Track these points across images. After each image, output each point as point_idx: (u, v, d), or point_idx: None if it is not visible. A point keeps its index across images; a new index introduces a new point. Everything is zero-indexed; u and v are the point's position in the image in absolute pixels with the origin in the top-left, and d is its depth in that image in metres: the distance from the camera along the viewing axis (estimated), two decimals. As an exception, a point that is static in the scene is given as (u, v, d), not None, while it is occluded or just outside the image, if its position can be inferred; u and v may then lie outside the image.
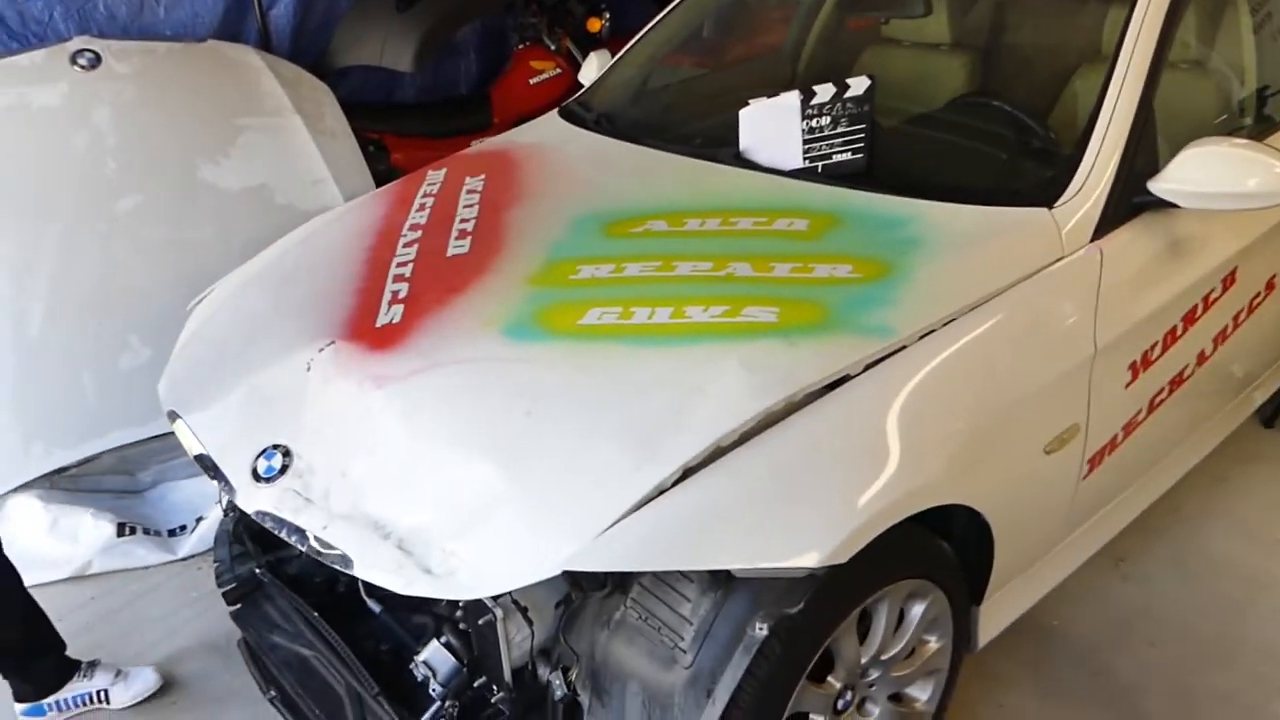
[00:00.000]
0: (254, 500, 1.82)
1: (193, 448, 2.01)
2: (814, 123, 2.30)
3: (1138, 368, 2.10)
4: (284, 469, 1.83)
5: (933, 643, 1.93)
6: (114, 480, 3.04)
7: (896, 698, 1.97)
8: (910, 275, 1.85)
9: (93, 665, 2.40)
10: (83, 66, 3.04)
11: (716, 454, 1.57)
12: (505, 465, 1.61)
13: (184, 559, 2.79)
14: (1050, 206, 1.98)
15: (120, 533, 2.81)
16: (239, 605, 2.22)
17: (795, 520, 1.53)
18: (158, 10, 3.30)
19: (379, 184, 3.26)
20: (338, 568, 1.67)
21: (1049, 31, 2.71)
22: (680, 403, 1.62)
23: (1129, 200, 2.05)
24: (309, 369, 1.92)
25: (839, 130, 2.28)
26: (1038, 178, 2.16)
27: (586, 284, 1.93)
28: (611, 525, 1.49)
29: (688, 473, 1.54)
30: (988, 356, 1.82)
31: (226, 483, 1.89)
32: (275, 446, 1.86)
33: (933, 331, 1.77)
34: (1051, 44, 2.66)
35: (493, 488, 1.60)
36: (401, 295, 2.02)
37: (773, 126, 2.34)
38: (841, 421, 1.64)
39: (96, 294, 2.93)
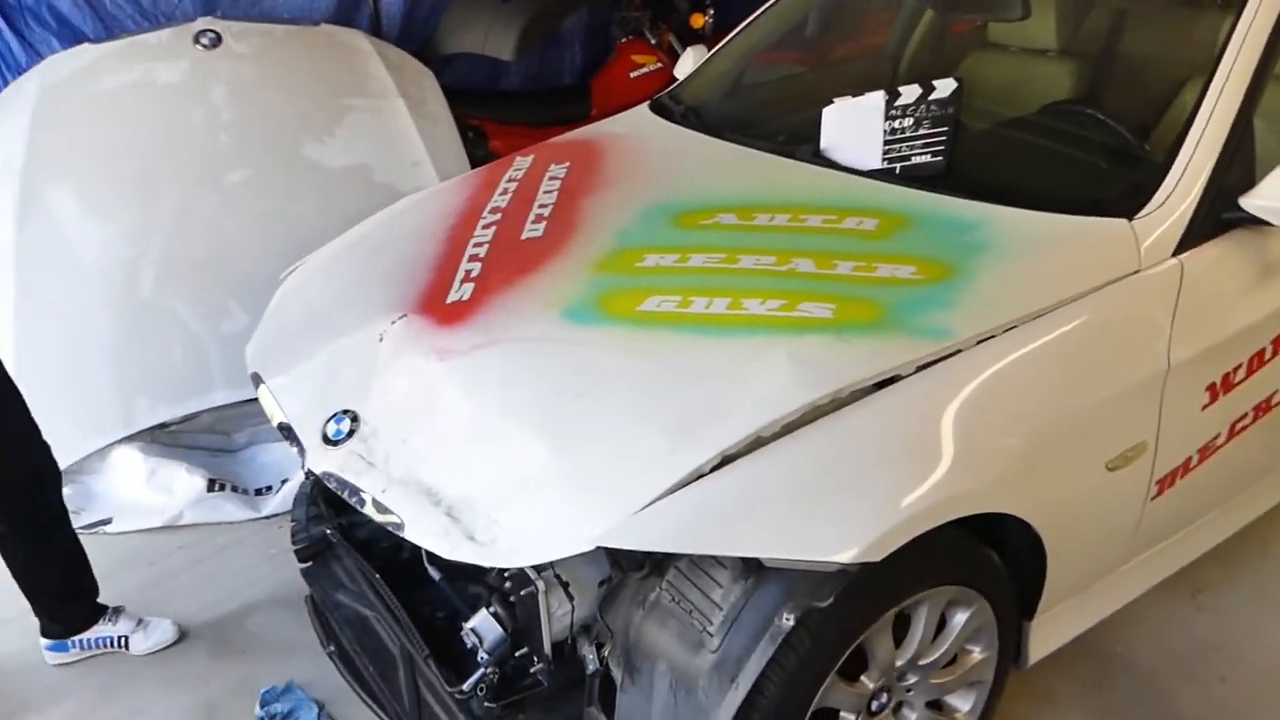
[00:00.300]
0: (322, 461, 1.91)
1: (271, 410, 2.11)
2: (897, 123, 2.29)
3: (1217, 389, 2.03)
4: (351, 433, 1.91)
5: (976, 653, 1.91)
6: (210, 439, 3.21)
7: (936, 705, 1.95)
8: (973, 279, 1.82)
9: (117, 611, 2.54)
10: (204, 46, 3.20)
11: (757, 444, 1.58)
12: (551, 442, 1.66)
13: (267, 517, 2.93)
14: (1130, 218, 1.93)
15: (211, 488, 2.97)
16: (309, 563, 2.32)
17: (830, 514, 1.54)
18: (278, -6, 3.46)
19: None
20: (391, 530, 1.75)
21: (1157, 40, 2.63)
22: (725, 392, 1.64)
23: (1218, 216, 1.98)
24: (381, 340, 2.00)
25: (921, 132, 2.26)
26: (1120, 188, 2.11)
27: (650, 272, 1.96)
28: (646, 506, 1.52)
29: (727, 460, 1.56)
30: (1050, 365, 1.78)
31: (299, 444, 1.99)
32: (345, 412, 1.95)
33: (992, 337, 1.75)
34: (1158, 53, 2.58)
35: (538, 463, 1.65)
36: (474, 274, 2.09)
37: (855, 126, 2.34)
38: (888, 420, 1.64)
39: (204, 261, 3.08)
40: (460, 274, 2.10)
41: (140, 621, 2.54)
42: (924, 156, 2.24)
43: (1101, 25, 2.77)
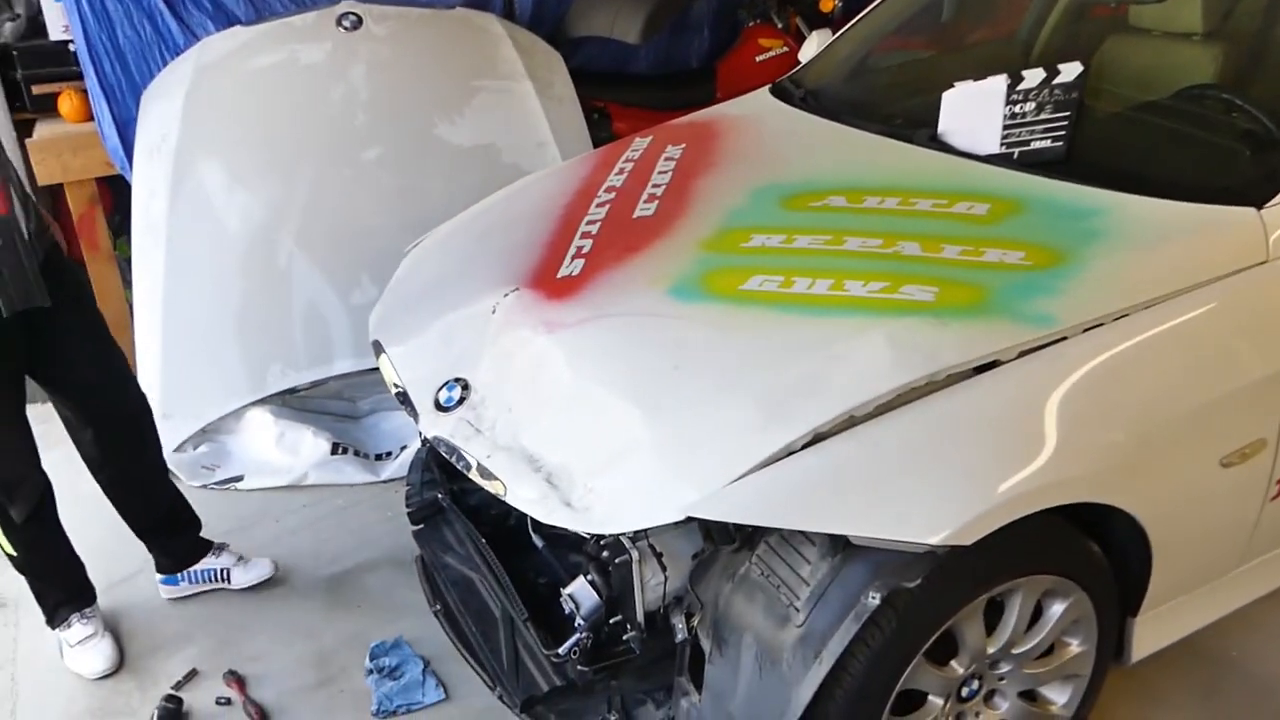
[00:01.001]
0: (433, 426, 1.99)
1: (390, 376, 2.22)
2: (1018, 108, 2.24)
3: (1346, 388, 1.93)
4: (461, 400, 1.99)
5: (1074, 646, 1.87)
6: (336, 404, 3.37)
7: (1030, 696, 1.92)
8: (1084, 265, 1.78)
9: (222, 547, 2.72)
10: (346, 28, 3.34)
11: (850, 423, 1.59)
12: (648, 413, 1.70)
13: (385, 481, 3.06)
14: (1260, 206, 1.86)
15: (334, 451, 3.12)
16: (421, 526, 2.43)
17: (920, 496, 1.54)
18: (417, -22, 3.58)
19: (599, 151, 3.42)
20: (492, 492, 1.82)
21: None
22: (821, 369, 1.66)
23: (1352, 206, 1.88)
24: (494, 311, 2.07)
25: (1042, 117, 2.21)
26: (1250, 175, 2.02)
27: (755, 252, 1.98)
28: (737, 479, 1.55)
29: (819, 438, 1.58)
30: (1164, 357, 1.73)
31: (413, 409, 2.08)
32: (456, 380, 2.03)
33: (1100, 325, 1.71)
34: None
35: (634, 433, 1.69)
36: (585, 250, 2.14)
37: (975, 110, 2.30)
38: (984, 405, 1.62)
39: (337, 234, 3.22)
40: (572, 250, 2.16)
41: (240, 558, 2.71)
42: (1044, 141, 2.19)
43: (1248, 7, 2.65)
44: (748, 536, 1.71)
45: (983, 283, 1.77)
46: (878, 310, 1.74)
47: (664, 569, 1.80)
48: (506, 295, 2.08)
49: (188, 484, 3.06)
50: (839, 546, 1.59)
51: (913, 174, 2.19)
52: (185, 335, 3.15)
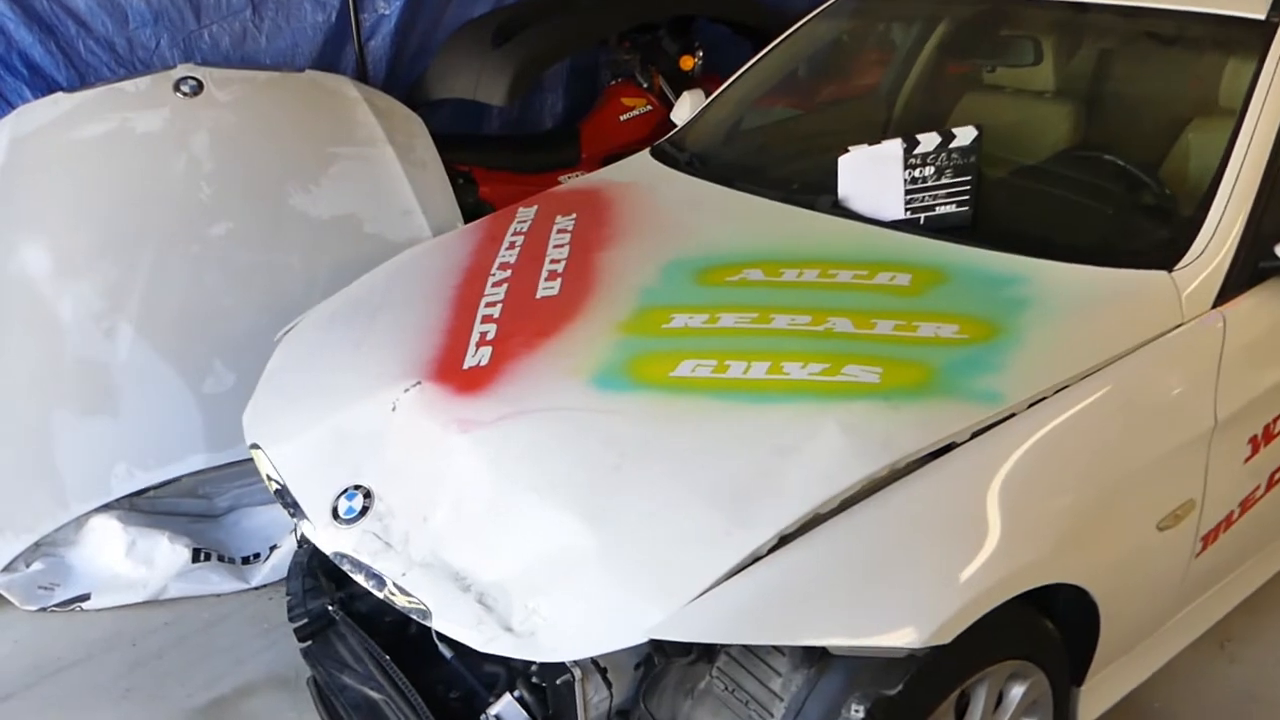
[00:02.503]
0: (333, 541, 1.80)
1: (274, 483, 1.99)
2: (917, 172, 2.23)
3: (1258, 441, 1.98)
4: (364, 510, 1.80)
5: (1031, 727, 1.83)
6: (191, 504, 3.06)
7: (989, 783, 1.86)
8: (1020, 338, 1.76)
9: None
10: (185, 93, 3.08)
11: (814, 521, 1.49)
12: (591, 521, 1.56)
13: (256, 588, 2.78)
14: (1170, 269, 1.88)
15: (195, 558, 2.81)
16: (310, 642, 2.19)
17: (897, 596, 1.45)
18: (259, 39, 3.35)
19: (467, 216, 3.27)
20: (416, 619, 1.64)
21: (1158, 82, 2.60)
22: (776, 465, 1.55)
23: (1255, 264, 1.94)
24: (394, 409, 1.89)
25: (943, 181, 2.21)
26: (1156, 238, 2.06)
27: (679, 334, 1.88)
28: (703, 593, 1.43)
29: (783, 540, 1.47)
30: (1101, 427, 1.72)
31: (306, 520, 1.87)
32: (357, 487, 1.84)
33: (1043, 399, 1.68)
34: (1162, 95, 2.54)
35: (578, 544, 1.55)
36: (490, 336, 1.99)
37: (873, 175, 2.28)
38: (946, 492, 1.56)
39: (184, 317, 2.95)
40: (475, 337, 2.00)
41: None
42: (948, 206, 2.18)
43: (1097, 67, 2.75)
44: (706, 648, 1.59)
45: (925, 360, 1.71)
46: (823, 394, 1.66)
47: (609, 685, 1.66)
48: (408, 390, 1.90)
49: (22, 609, 2.69)
50: (814, 656, 1.49)
51: (824, 243, 2.14)
52: (11, 439, 2.81)
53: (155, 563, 2.80)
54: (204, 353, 2.96)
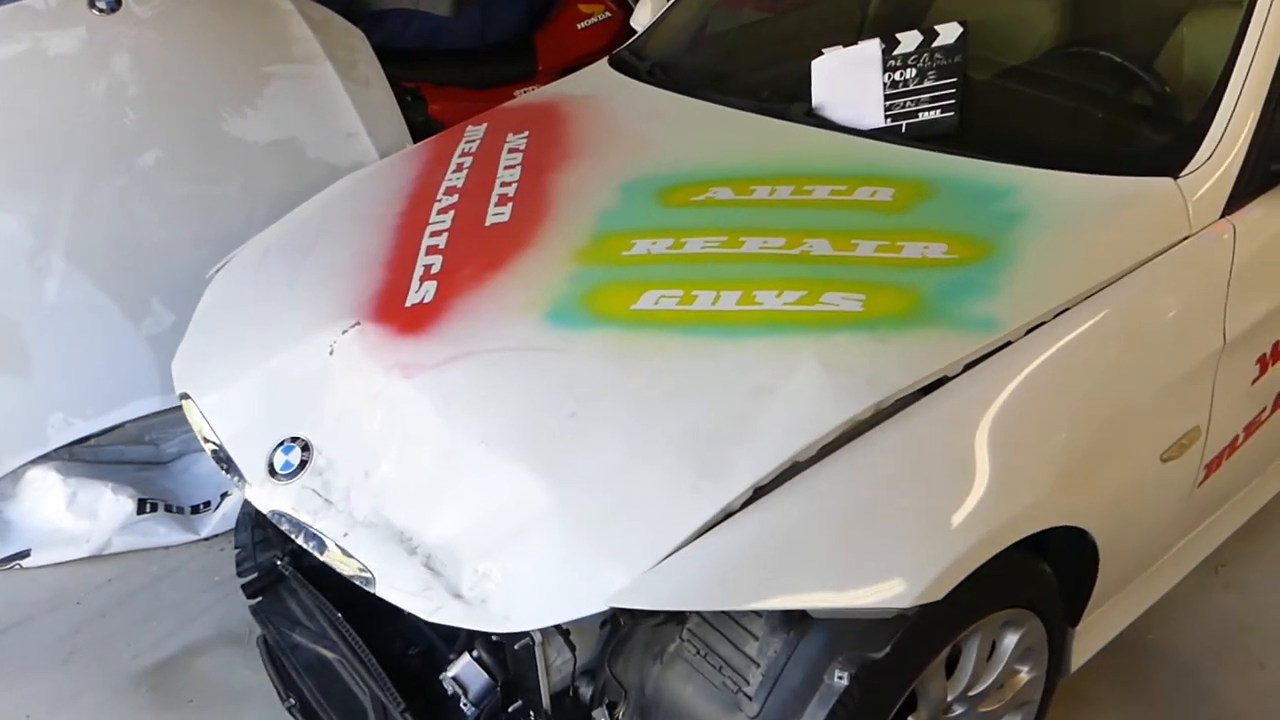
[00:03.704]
0: (269, 499, 1.65)
1: (205, 435, 1.83)
2: (897, 75, 2.04)
3: (1266, 361, 1.84)
4: (302, 465, 1.65)
5: (1024, 673, 1.71)
6: (137, 450, 2.89)
7: (983, 732, 1.75)
8: (1015, 257, 1.60)
9: None
10: (101, 10, 2.83)
11: (791, 470, 1.34)
12: (545, 475, 1.41)
13: (206, 539, 2.63)
14: (1175, 175, 1.72)
15: (141, 509, 2.65)
16: (259, 598, 2.06)
17: (883, 551, 1.31)
18: (181, -52, 3.08)
19: (416, 137, 3.06)
20: (358, 584, 1.49)
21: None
22: (749, 407, 1.40)
23: (1266, 168, 1.77)
24: (331, 353, 1.72)
25: (925, 84, 2.02)
26: (1160, 141, 1.90)
27: (641, 261, 1.71)
28: (669, 554, 1.28)
29: (758, 492, 1.33)
30: (1103, 354, 1.57)
31: (238, 473, 1.72)
32: (294, 439, 1.68)
33: (1041, 324, 1.53)
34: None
35: (531, 501, 1.40)
36: (435, 270, 1.81)
37: (850, 80, 2.09)
38: (937, 433, 1.41)
39: (116, 254, 2.74)
40: (419, 270, 1.82)
41: None
42: (932, 112, 2.00)
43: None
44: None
45: (911, 285, 1.55)
46: (800, 325, 1.50)
47: (572, 647, 1.53)
48: (346, 331, 1.73)
49: (-44, 568, 2.54)
50: (793, 618, 1.35)
51: (798, 156, 1.96)
52: (-64, 389, 2.62)
53: (98, 515, 2.64)
54: (140, 292, 2.76)
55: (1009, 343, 1.50)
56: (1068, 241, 1.63)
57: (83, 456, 2.79)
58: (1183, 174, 1.72)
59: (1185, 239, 1.68)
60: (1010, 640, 1.62)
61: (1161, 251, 1.66)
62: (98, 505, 2.65)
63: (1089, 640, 1.86)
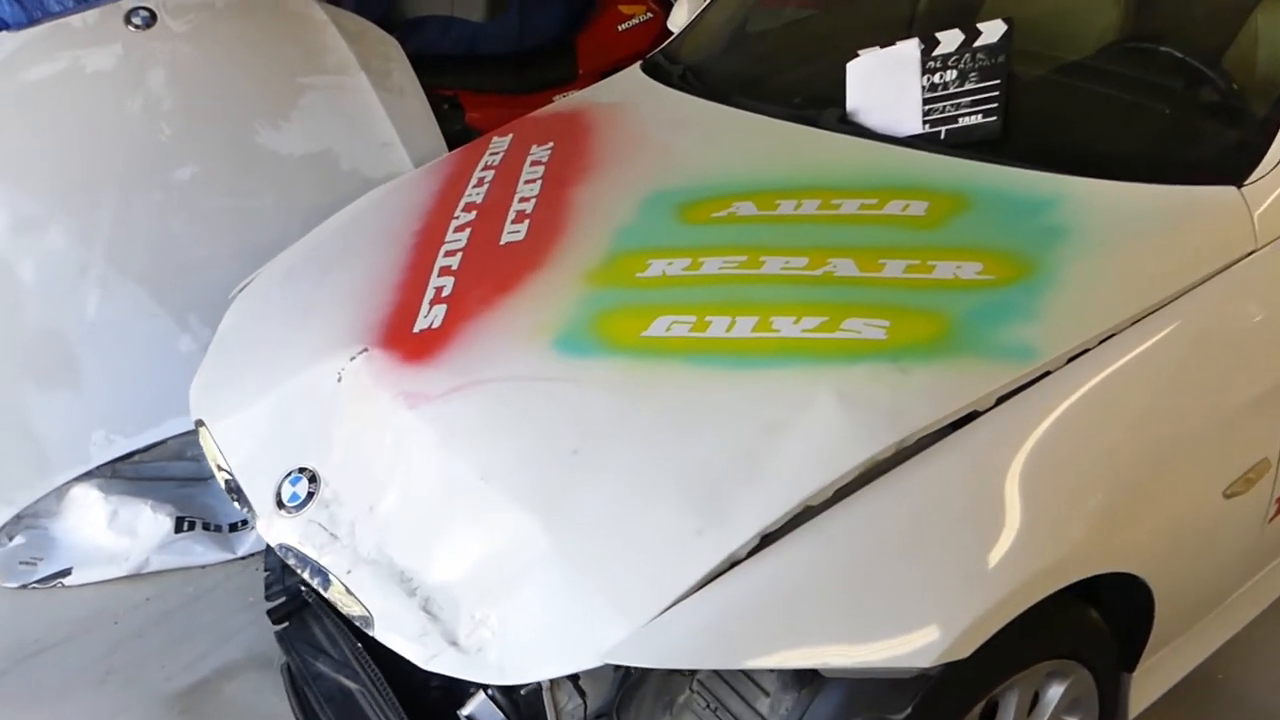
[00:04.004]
0: (277, 531, 1.61)
1: (217, 464, 1.79)
2: (937, 78, 1.92)
3: (1340, 383, 1.69)
4: (309, 497, 1.61)
5: (1073, 724, 1.59)
6: (178, 466, 2.89)
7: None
8: (1057, 276, 1.48)
9: None
10: (137, 25, 2.83)
11: (804, 515, 1.25)
12: (544, 516, 1.33)
13: (243, 558, 2.61)
14: (1239, 184, 1.58)
15: (179, 528, 2.65)
16: (285, 624, 2.02)
17: (902, 606, 1.21)
18: (217, -39, 3.07)
19: (453, 145, 3.01)
20: (358, 625, 1.44)
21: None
22: (759, 446, 1.31)
23: (1337, 174, 1.62)
24: (339, 380, 1.67)
25: (967, 87, 1.90)
26: (1222, 146, 1.75)
27: (655, 283, 1.62)
28: (669, 607, 1.20)
29: (766, 539, 1.23)
30: (1156, 383, 1.44)
31: (248, 505, 1.68)
32: (301, 470, 1.64)
33: (1085, 351, 1.40)
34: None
35: (529, 544, 1.32)
36: (445, 292, 1.75)
37: (887, 83, 1.97)
38: (965, 474, 1.30)
39: (154, 271, 2.74)
40: (429, 293, 1.76)
41: None
42: (974, 117, 1.87)
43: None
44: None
45: (940, 309, 1.44)
46: (819, 356, 1.40)
47: (582, 693, 1.45)
48: (354, 358, 1.68)
49: (2, 585, 2.56)
50: (806, 675, 1.26)
51: (828, 167, 1.85)
52: (-18, 407, 2.65)
53: (137, 533, 2.64)
54: (177, 309, 2.76)
55: (1048, 373, 1.38)
56: (1116, 259, 1.51)
57: (125, 474, 2.80)
58: (1247, 182, 1.58)
59: (1250, 254, 1.54)
60: (1055, 691, 1.50)
61: (1222, 269, 1.52)
62: (137, 523, 2.65)
63: (1148, 687, 1.72)
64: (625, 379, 1.46)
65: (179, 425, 2.74)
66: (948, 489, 1.29)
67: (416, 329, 1.68)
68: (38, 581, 2.60)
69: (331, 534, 1.55)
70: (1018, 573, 1.25)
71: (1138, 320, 1.44)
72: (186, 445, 2.89)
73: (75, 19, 2.80)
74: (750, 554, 1.22)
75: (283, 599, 2.03)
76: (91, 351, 2.70)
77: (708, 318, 1.50)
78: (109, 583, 2.58)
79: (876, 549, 1.24)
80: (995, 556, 1.25)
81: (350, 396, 1.65)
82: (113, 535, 2.65)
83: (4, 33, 2.79)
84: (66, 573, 2.62)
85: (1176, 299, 1.47)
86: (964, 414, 1.33)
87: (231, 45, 2.89)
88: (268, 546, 2.09)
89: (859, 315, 1.44)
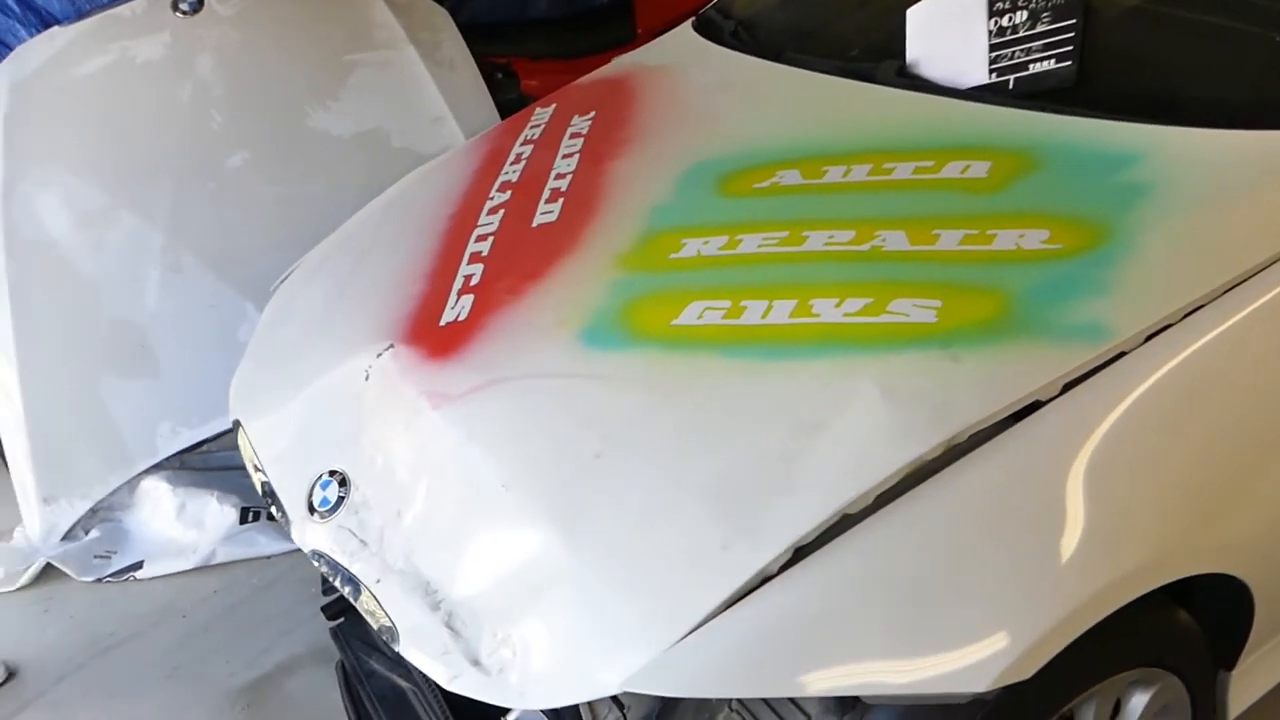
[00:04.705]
0: (309, 536, 1.56)
1: (255, 464, 1.75)
2: (1004, 20, 1.75)
3: None
4: (340, 502, 1.55)
5: (1163, 733, 1.44)
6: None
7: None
8: (1135, 242, 1.31)
9: None
10: (184, 12, 2.80)
11: (841, 525, 1.13)
12: (564, 529, 1.24)
13: (307, 548, 2.60)
14: (1352, 126, 1.38)
15: (244, 519, 2.65)
16: (340, 620, 1.99)
17: (953, 624, 1.08)
18: (259, -59, 3.01)
19: (507, 116, 2.92)
20: (384, 638, 1.38)
21: None
22: (793, 448, 1.19)
23: None
24: (367, 378, 1.60)
25: (1039, 29, 1.72)
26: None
27: (689, 265, 1.50)
28: (694, 629, 1.09)
29: (799, 552, 1.12)
30: (1250, 360, 1.27)
31: (282, 512, 1.63)
32: (332, 473, 1.58)
33: (1168, 327, 1.24)
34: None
35: (549, 558, 1.23)
36: (474, 282, 1.66)
37: (950, 30, 1.81)
38: (1026, 473, 1.16)
39: (210, 261, 2.73)
40: (458, 282, 1.68)
41: None
42: (1046, 63, 1.69)
43: None
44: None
45: (999, 285, 1.29)
46: (861, 342, 1.27)
47: (621, 706, 1.36)
48: (380, 355, 1.61)
49: (78, 580, 2.59)
50: (848, 699, 1.14)
51: (882, 127, 1.70)
52: (53, 403, 2.66)
53: (205, 525, 2.65)
54: (234, 298, 2.74)
55: (1123, 353, 1.22)
56: (1207, 219, 1.33)
57: (193, 464, 2.81)
58: (1362, 122, 1.38)
59: (1365, 206, 1.35)
60: (1140, 700, 1.35)
61: (1332, 224, 1.33)
62: (204, 515, 2.66)
63: (1250, 684, 1.55)
64: (652, 374, 1.35)
65: (242, 415, 2.74)
66: (1005, 490, 1.15)
67: (443, 322, 1.59)
68: (112, 575, 2.63)
69: (361, 540, 1.49)
70: (1089, 582, 1.11)
71: (1229, 289, 1.27)
72: (254, 433, 2.89)
73: (124, 9, 2.77)
74: (782, 569, 1.11)
75: (336, 595, 1.99)
76: (157, 343, 2.71)
77: (743, 302, 1.38)
78: (178, 575, 2.60)
79: (923, 560, 1.11)
80: (1062, 565, 1.11)
81: (377, 396, 1.58)
82: (181, 528, 2.67)
83: (55, 28, 2.79)
84: (138, 566, 2.65)
85: (1276, 262, 1.29)
86: (1024, 405, 1.18)
87: (278, 27, 2.85)
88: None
89: (908, 295, 1.30)
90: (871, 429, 1.17)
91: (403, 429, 1.51)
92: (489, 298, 1.60)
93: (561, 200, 1.78)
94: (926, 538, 1.12)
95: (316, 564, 1.56)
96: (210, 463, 2.84)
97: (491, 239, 1.75)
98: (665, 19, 3.26)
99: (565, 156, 1.92)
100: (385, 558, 1.44)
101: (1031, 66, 1.70)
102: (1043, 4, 1.73)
